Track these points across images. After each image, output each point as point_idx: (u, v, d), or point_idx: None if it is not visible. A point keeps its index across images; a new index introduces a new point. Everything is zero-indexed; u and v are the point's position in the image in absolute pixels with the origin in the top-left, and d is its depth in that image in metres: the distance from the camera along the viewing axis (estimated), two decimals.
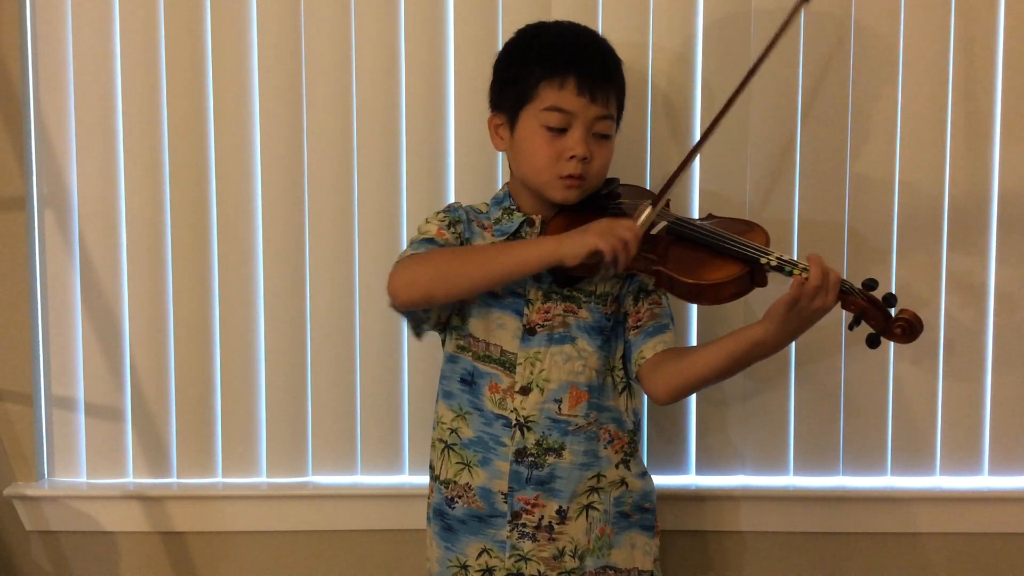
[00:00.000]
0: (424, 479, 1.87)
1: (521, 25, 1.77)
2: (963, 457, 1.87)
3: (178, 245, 1.86)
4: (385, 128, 1.84)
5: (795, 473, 1.88)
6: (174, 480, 1.91)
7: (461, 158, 1.84)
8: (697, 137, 1.82)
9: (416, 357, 1.87)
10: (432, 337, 1.86)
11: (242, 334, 1.88)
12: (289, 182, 1.85)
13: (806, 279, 1.28)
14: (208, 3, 1.83)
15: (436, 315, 1.50)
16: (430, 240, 1.47)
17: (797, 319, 1.31)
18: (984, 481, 1.88)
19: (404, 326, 1.86)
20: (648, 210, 1.37)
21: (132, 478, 1.91)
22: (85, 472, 1.91)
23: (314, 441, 1.90)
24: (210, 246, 1.87)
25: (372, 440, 1.89)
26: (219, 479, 1.90)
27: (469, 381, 1.50)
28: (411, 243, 1.49)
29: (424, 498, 1.86)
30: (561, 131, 1.43)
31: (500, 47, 1.79)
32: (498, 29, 1.81)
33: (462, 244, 1.50)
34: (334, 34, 1.83)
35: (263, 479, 1.90)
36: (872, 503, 1.86)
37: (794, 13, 1.51)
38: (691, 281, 1.35)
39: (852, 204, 1.83)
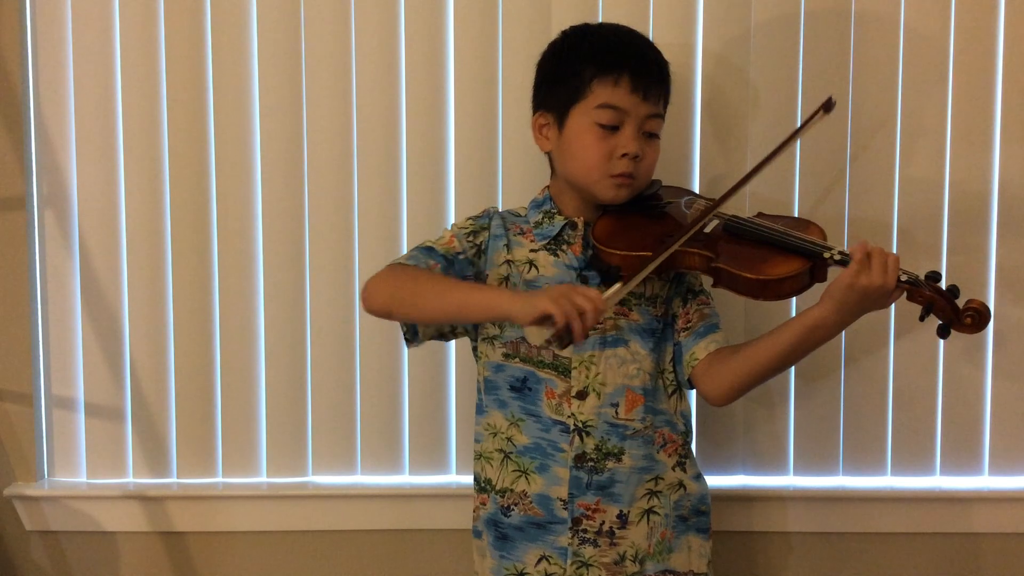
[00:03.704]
0: (424, 479, 1.89)
1: (521, 26, 1.79)
2: (962, 457, 1.87)
3: (178, 245, 1.86)
4: (385, 129, 1.84)
5: (795, 473, 1.88)
6: (174, 480, 1.91)
7: (461, 158, 1.84)
8: (698, 141, 1.83)
9: (416, 357, 1.87)
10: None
11: (242, 334, 1.88)
12: (289, 182, 1.85)
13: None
14: (208, 3, 1.83)
15: (426, 333, 1.48)
16: (429, 250, 1.46)
17: (858, 299, 1.30)
18: (984, 481, 1.88)
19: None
20: (618, 286, 1.31)
21: (132, 478, 1.91)
22: (85, 472, 1.91)
23: (314, 441, 1.89)
24: (210, 246, 1.87)
25: (372, 440, 1.89)
26: (219, 479, 1.90)
27: (519, 388, 1.48)
28: (415, 247, 1.47)
29: (425, 497, 1.88)
30: (613, 129, 1.43)
31: (500, 47, 1.81)
32: (498, 29, 1.81)
33: (483, 253, 1.49)
34: (334, 34, 1.83)
35: (263, 479, 1.90)
36: (873, 503, 1.86)
37: (811, 120, 1.53)
38: (752, 276, 1.35)
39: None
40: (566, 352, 1.46)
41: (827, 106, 1.55)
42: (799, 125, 1.50)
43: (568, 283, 1.33)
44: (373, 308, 1.40)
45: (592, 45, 1.47)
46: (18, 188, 1.85)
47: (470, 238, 1.49)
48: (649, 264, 1.36)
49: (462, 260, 1.47)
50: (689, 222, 1.43)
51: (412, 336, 1.48)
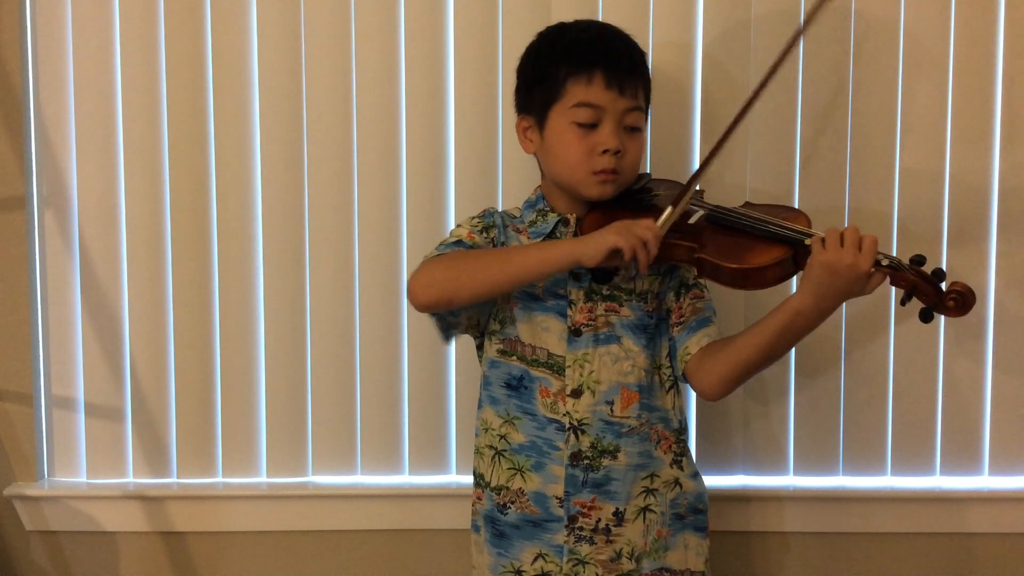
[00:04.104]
0: (424, 479, 1.89)
1: (521, 26, 1.79)
2: (961, 457, 1.87)
3: (178, 245, 1.86)
4: (385, 129, 1.84)
5: (795, 473, 1.88)
6: (174, 480, 1.91)
7: (461, 158, 1.84)
8: (698, 134, 1.83)
9: (416, 357, 1.87)
10: (429, 337, 1.87)
11: (242, 334, 1.88)
12: (289, 182, 1.85)
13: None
14: (208, 3, 1.83)
15: (466, 319, 1.49)
16: (458, 243, 1.46)
17: (830, 279, 1.29)
18: (984, 481, 1.88)
19: (404, 326, 1.86)
20: (669, 210, 1.36)
21: (132, 478, 1.91)
22: (85, 472, 1.91)
23: (314, 441, 1.90)
24: (210, 246, 1.87)
25: (372, 440, 1.89)
26: (219, 479, 1.90)
27: (516, 386, 1.48)
28: (439, 245, 1.47)
29: (425, 497, 1.88)
30: (592, 126, 1.43)
31: (500, 47, 1.81)
32: (498, 30, 1.81)
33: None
34: (334, 35, 1.83)
35: (263, 479, 1.90)
36: (872, 503, 1.86)
37: (794, 41, 1.50)
38: (735, 266, 1.35)
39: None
40: (559, 351, 1.46)
41: (805, 24, 1.52)
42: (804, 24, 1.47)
43: (627, 219, 1.35)
44: (431, 298, 1.38)
45: (564, 45, 1.48)
46: (18, 188, 1.85)
47: (483, 234, 1.49)
48: (689, 186, 1.39)
49: None
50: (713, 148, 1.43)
51: (448, 333, 1.50)
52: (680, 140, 1.83)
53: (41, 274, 1.88)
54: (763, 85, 1.44)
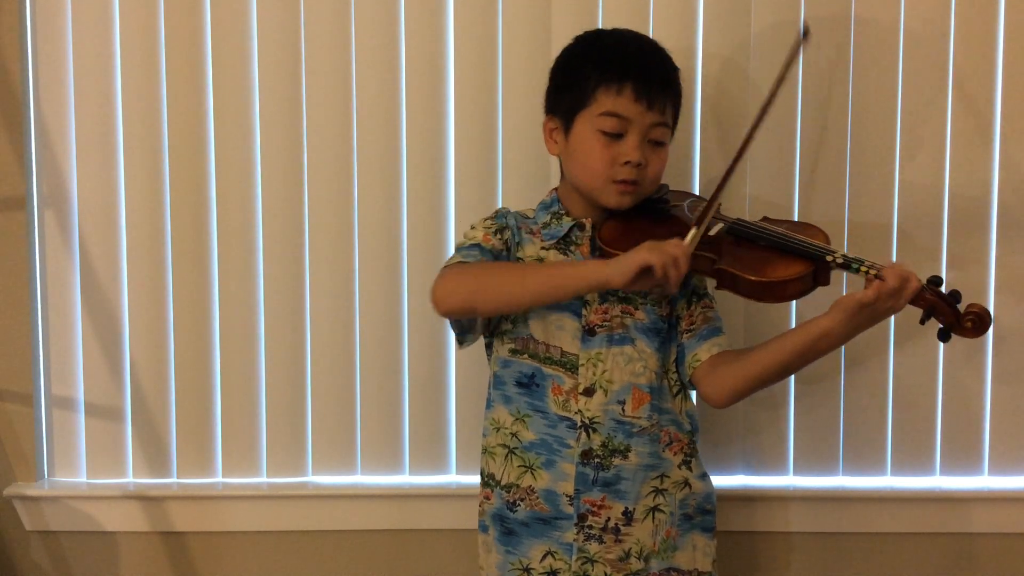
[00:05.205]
0: (424, 479, 1.89)
1: (520, 28, 1.79)
2: (961, 457, 1.87)
3: (178, 245, 1.86)
4: (385, 128, 1.84)
5: (795, 473, 1.89)
6: (174, 480, 1.91)
7: (461, 158, 1.84)
8: (699, 133, 1.83)
9: (416, 357, 1.87)
10: (429, 337, 1.87)
11: (242, 334, 1.88)
12: (289, 182, 1.85)
13: (881, 281, 1.29)
14: (208, 3, 1.83)
15: (482, 324, 1.50)
16: (476, 246, 1.46)
17: (869, 316, 1.32)
18: (984, 481, 1.88)
19: (404, 326, 1.86)
20: (694, 230, 1.37)
21: (132, 478, 1.91)
22: (85, 472, 1.91)
23: (314, 441, 1.90)
24: (210, 246, 1.87)
25: (372, 440, 1.89)
26: (219, 479, 1.90)
27: (527, 384, 1.49)
28: (458, 248, 1.47)
29: (425, 497, 1.88)
30: (617, 136, 1.44)
31: (500, 48, 1.81)
32: (498, 30, 1.81)
33: (510, 250, 1.50)
34: (334, 34, 1.83)
35: (263, 479, 1.90)
36: (873, 503, 1.86)
37: (795, 53, 1.50)
38: (755, 279, 1.36)
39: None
40: (573, 349, 1.47)
41: (804, 33, 1.52)
42: (785, 65, 1.48)
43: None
44: (452, 306, 1.40)
45: (598, 53, 1.48)
46: (18, 188, 1.85)
47: (499, 235, 1.49)
48: (711, 202, 1.40)
49: (504, 257, 1.49)
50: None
51: (463, 337, 1.50)
52: (681, 142, 1.83)
53: (41, 274, 1.88)
54: (773, 95, 1.44)
